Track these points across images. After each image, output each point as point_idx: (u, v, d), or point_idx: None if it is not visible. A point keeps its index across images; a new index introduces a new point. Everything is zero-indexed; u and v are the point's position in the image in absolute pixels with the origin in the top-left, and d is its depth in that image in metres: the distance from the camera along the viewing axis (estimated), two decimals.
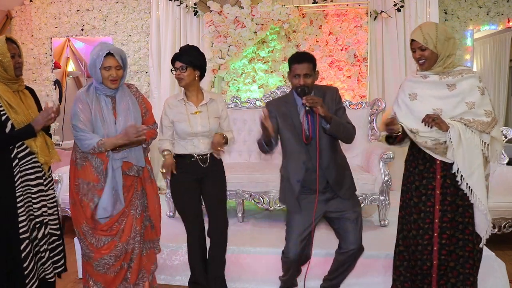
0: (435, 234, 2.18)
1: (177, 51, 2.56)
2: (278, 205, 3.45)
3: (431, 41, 2.07)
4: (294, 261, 2.40)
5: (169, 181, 2.63)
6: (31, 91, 2.38)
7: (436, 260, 2.20)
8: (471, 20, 4.88)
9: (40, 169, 2.31)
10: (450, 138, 2.07)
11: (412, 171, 2.27)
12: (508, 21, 4.81)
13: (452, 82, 2.12)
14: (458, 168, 2.10)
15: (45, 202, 2.33)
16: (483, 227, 2.15)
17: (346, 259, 2.44)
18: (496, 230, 3.48)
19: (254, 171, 3.54)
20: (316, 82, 2.38)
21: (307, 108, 2.20)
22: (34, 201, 2.27)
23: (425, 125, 2.11)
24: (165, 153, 2.54)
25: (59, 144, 5.27)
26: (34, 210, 2.27)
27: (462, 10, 4.87)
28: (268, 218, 3.73)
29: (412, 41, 2.15)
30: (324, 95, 2.33)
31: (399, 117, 2.23)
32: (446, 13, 4.90)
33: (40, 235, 2.30)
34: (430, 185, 2.19)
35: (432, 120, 2.07)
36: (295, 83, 2.29)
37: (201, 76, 2.56)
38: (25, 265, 2.19)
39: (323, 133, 2.28)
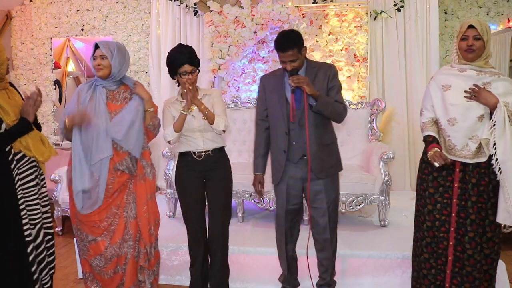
0: (452, 229, 2.15)
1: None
2: None
3: (486, 34, 2.09)
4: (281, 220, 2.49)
5: (175, 179, 2.63)
6: (14, 87, 2.32)
7: (452, 256, 2.17)
8: None
9: (37, 168, 2.29)
10: (494, 119, 2.03)
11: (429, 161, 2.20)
12: (508, 21, 4.80)
13: (488, 80, 2.11)
14: (495, 149, 2.03)
15: (39, 201, 2.29)
16: (504, 217, 2.07)
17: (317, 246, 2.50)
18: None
19: None
20: None
21: (292, 87, 2.25)
22: (32, 202, 2.23)
23: (470, 92, 2.09)
24: None
25: (59, 144, 5.26)
26: (33, 211, 2.24)
27: (462, 10, 4.86)
28: (268, 218, 3.73)
29: (469, 27, 2.12)
30: (318, 72, 2.35)
31: (433, 112, 2.22)
32: (446, 13, 4.89)
33: (40, 237, 2.26)
34: (449, 177, 2.17)
35: (478, 92, 2.06)
36: (283, 66, 2.33)
37: None
38: (33, 269, 2.15)
39: (310, 111, 2.30)
